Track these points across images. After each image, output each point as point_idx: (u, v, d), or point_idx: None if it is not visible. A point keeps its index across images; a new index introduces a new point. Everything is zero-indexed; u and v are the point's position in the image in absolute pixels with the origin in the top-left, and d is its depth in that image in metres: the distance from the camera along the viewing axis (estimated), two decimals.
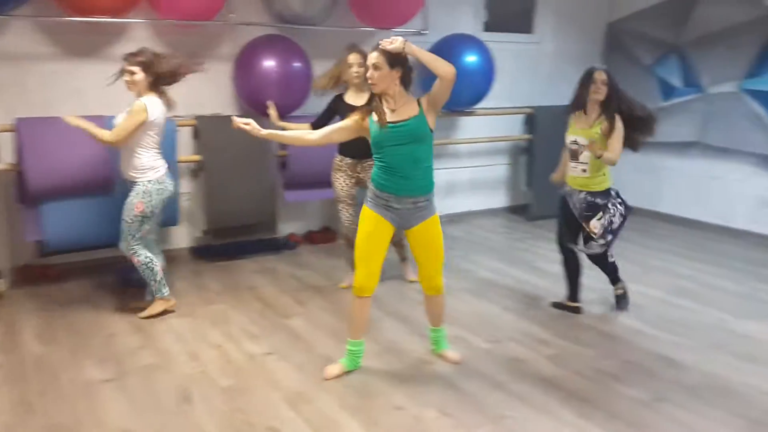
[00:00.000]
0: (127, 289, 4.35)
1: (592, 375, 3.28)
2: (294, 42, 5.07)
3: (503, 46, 6.38)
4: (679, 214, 6.60)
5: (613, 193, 3.88)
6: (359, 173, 4.34)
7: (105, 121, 4.04)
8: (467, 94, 5.83)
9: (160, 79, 3.78)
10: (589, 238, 3.91)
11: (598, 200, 3.84)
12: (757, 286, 4.66)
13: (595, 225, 3.85)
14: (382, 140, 3.03)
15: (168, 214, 4.35)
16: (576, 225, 3.95)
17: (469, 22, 6.32)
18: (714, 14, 6.15)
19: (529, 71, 6.82)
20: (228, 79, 5.14)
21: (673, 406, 2.98)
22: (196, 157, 4.98)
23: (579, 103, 3.88)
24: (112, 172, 4.25)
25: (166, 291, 3.99)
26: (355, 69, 4.14)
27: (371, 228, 3.12)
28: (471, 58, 5.68)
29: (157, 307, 3.97)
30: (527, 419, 2.86)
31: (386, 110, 3.04)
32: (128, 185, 3.85)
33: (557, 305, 4.20)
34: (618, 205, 3.87)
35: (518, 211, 6.92)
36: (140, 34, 4.79)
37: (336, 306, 4.20)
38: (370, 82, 3.02)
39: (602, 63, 7.23)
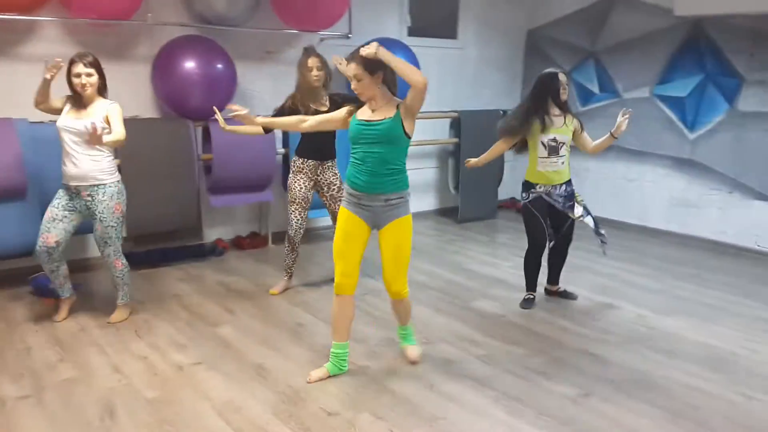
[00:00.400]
0: (43, 299, 4.13)
1: (522, 373, 3.34)
2: (216, 43, 4.96)
3: (428, 51, 6.46)
4: (599, 215, 6.82)
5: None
6: (318, 176, 4.36)
7: (15, 124, 3.82)
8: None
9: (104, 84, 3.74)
10: (571, 235, 4.31)
11: (573, 187, 4.20)
12: (673, 283, 4.88)
13: (578, 210, 4.18)
14: (356, 137, 3.08)
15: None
16: (560, 218, 4.20)
17: (394, 26, 6.36)
18: (627, 23, 6.45)
19: (454, 76, 6.93)
20: (146, 80, 4.97)
21: (599, 401, 3.07)
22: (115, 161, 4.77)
23: (543, 108, 4.03)
24: (24, 177, 4.02)
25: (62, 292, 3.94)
26: (315, 72, 4.15)
27: (347, 227, 3.16)
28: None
29: (124, 313, 3.97)
30: (460, 420, 2.88)
31: (367, 109, 3.10)
32: (87, 190, 3.67)
33: (552, 293, 4.51)
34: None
35: (447, 213, 7.01)
36: (51, 32, 4.57)
37: (266, 313, 4.12)
38: (356, 93, 3.05)
39: (522, 69, 7.49)
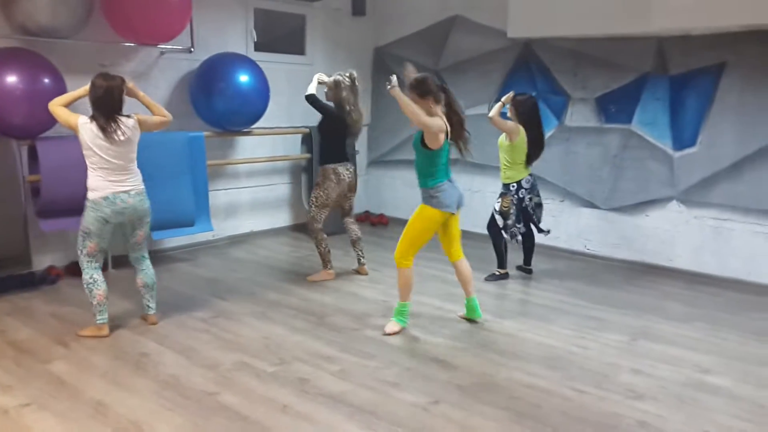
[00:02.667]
0: None
1: (375, 385, 3.38)
2: (41, 56, 4.59)
3: (276, 66, 6.42)
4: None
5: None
6: (347, 178, 5.14)
7: None
8: (243, 114, 5.76)
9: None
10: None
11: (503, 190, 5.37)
12: (513, 287, 5.19)
13: (496, 205, 5.43)
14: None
15: None
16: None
17: (239, 41, 6.25)
18: (465, 43, 6.81)
19: (304, 92, 6.91)
20: None
21: (448, 407, 3.17)
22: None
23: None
24: None
25: (100, 319, 3.95)
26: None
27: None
28: (244, 78, 5.63)
29: (87, 332, 3.97)
30: None
31: None
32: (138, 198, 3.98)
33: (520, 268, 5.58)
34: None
35: (302, 229, 6.95)
36: None
37: (105, 344, 3.85)
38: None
39: (370, 85, 7.65)
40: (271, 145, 6.60)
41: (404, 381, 3.44)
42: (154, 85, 5.63)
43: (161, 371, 3.49)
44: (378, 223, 7.45)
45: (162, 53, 5.62)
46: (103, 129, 3.75)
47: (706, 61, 5.41)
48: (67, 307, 4.44)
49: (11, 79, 4.31)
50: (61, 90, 4.58)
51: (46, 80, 4.48)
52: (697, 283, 5.47)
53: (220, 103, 5.58)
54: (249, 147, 6.45)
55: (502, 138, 5.28)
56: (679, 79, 5.58)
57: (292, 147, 6.77)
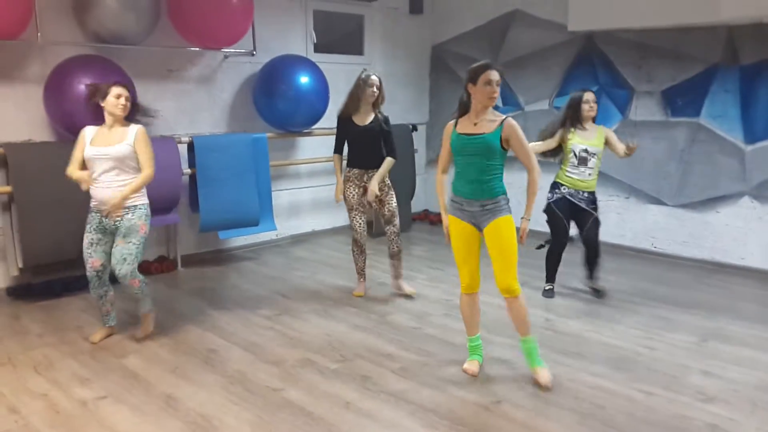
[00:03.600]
0: None
1: (436, 384, 3.39)
2: (112, 62, 4.79)
3: (335, 67, 6.49)
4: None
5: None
6: (365, 182, 4.69)
7: None
8: (303, 115, 5.85)
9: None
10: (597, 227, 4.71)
11: (596, 196, 4.75)
12: (577, 286, 5.08)
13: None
14: (458, 149, 3.39)
15: None
16: (584, 217, 4.68)
17: (299, 43, 6.36)
18: (525, 38, 6.72)
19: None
20: (38, 102, 4.73)
21: (511, 407, 3.15)
22: (6, 189, 4.51)
23: (576, 122, 4.66)
24: None
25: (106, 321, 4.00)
26: (373, 89, 4.62)
27: (457, 232, 3.45)
28: (304, 79, 5.72)
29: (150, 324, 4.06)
30: None
31: (469, 123, 3.38)
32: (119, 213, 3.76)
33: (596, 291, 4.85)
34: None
35: None
36: None
37: (175, 340, 3.99)
38: (494, 97, 3.31)
39: (429, 83, 7.65)
40: (331, 145, 6.66)
41: (466, 380, 3.44)
42: (219, 89, 5.80)
43: (228, 367, 3.60)
44: (437, 221, 7.43)
45: (225, 57, 5.77)
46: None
47: None
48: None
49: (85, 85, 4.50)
50: (132, 95, 4.76)
51: None
52: None
53: (281, 104, 5.69)
54: (310, 147, 6.55)
55: (597, 138, 4.70)
56: (750, 69, 5.35)
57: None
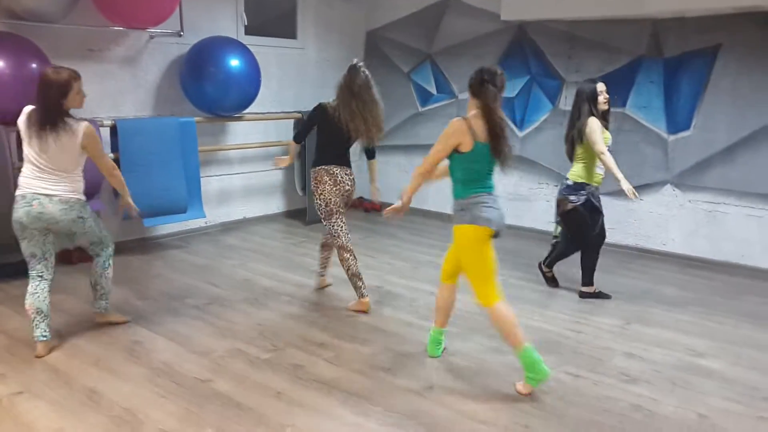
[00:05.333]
0: None
1: (368, 371, 3.37)
2: (28, 40, 4.52)
3: (267, 50, 6.35)
4: (443, 210, 7.11)
5: None
6: (342, 180, 4.20)
7: None
8: (234, 99, 5.70)
9: None
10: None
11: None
12: (509, 272, 5.17)
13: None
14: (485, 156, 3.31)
15: None
16: (599, 216, 4.51)
17: (229, 24, 6.17)
18: (459, 26, 6.75)
19: (295, 76, 6.87)
20: None
21: (442, 391, 3.18)
22: None
23: (601, 116, 4.35)
24: None
25: (36, 334, 3.51)
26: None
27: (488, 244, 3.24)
28: (234, 62, 5.56)
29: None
30: (308, 425, 2.85)
31: None
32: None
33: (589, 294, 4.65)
34: None
35: (295, 215, 6.94)
36: None
37: (98, 332, 3.82)
38: None
39: None
40: (263, 130, 6.56)
41: (397, 366, 3.44)
42: (144, 70, 5.57)
43: (154, 358, 3.48)
44: (371, 209, 7.42)
45: (151, 37, 5.55)
46: (39, 126, 3.37)
47: (701, 44, 5.39)
48: (59, 295, 4.39)
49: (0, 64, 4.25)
50: None
51: (34, 65, 4.40)
52: (691, 267, 5.48)
53: (210, 87, 5.52)
54: (241, 133, 6.40)
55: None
56: (673, 61, 5.55)
57: (284, 132, 6.71)
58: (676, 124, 5.61)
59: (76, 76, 3.43)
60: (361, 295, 4.24)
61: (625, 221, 5.97)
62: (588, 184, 4.45)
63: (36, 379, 3.23)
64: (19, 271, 4.74)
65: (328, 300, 4.45)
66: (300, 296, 4.52)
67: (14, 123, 4.51)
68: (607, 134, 4.43)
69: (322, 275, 4.68)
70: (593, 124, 4.28)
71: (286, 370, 3.37)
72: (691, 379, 3.38)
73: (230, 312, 4.19)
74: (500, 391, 3.20)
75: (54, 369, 3.34)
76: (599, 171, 4.47)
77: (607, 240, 5.37)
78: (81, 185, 3.57)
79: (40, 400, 3.03)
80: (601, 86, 4.39)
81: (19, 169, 4.64)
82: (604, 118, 4.41)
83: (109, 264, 3.80)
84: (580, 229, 4.52)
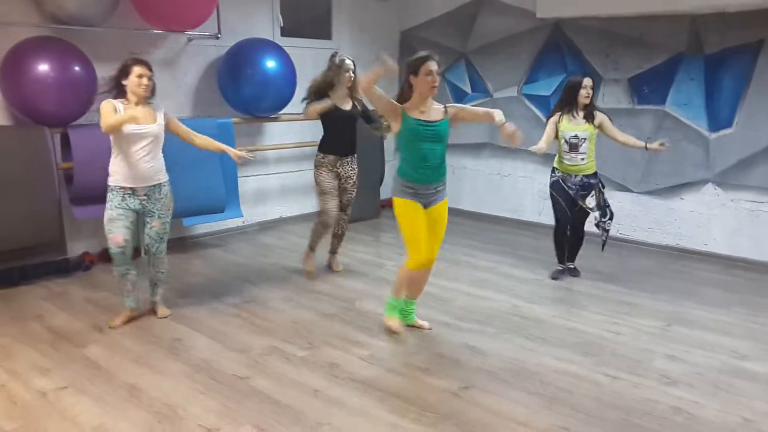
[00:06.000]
0: None
1: (404, 371, 3.38)
2: (71, 44, 4.63)
3: (303, 51, 6.40)
4: (478, 210, 7.09)
5: (598, 173, 4.82)
6: (338, 168, 4.75)
7: None
8: (270, 100, 5.76)
9: None
10: (584, 217, 4.82)
11: (591, 181, 4.76)
12: (543, 272, 5.12)
13: (590, 201, 4.77)
14: (419, 135, 3.51)
15: None
16: (573, 203, 4.77)
17: (266, 26, 6.24)
18: (494, 25, 6.71)
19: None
20: None
21: (478, 392, 3.16)
22: None
23: (569, 106, 4.71)
24: None
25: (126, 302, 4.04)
26: (350, 74, 4.58)
27: (416, 211, 3.58)
28: (271, 63, 5.62)
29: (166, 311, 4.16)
30: (345, 424, 2.86)
31: (416, 110, 3.53)
32: (144, 190, 3.83)
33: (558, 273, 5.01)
34: (600, 183, 4.83)
35: None
36: None
37: (139, 329, 3.91)
38: (436, 86, 3.49)
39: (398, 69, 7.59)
40: (299, 131, 6.60)
41: (433, 366, 3.44)
42: (183, 72, 5.67)
43: (193, 356, 3.53)
44: None
45: (189, 40, 5.64)
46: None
47: (743, 39, 5.25)
48: (101, 293, 4.52)
49: (43, 67, 4.36)
50: (92, 78, 4.63)
51: (77, 68, 4.53)
52: (734, 267, 5.35)
53: (247, 89, 5.58)
54: (277, 133, 6.46)
55: (587, 124, 4.72)
56: (714, 58, 5.42)
57: (319, 132, 6.73)
58: (717, 122, 5.48)
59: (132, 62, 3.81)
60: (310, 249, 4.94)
61: (664, 221, 5.86)
62: (556, 169, 4.84)
63: (79, 374, 3.31)
64: (61, 269, 4.89)
65: (363, 299, 4.46)
66: (336, 295, 4.54)
67: (58, 125, 4.67)
68: (586, 126, 4.69)
69: (333, 253, 5.15)
70: (551, 119, 4.79)
71: (322, 368, 3.39)
72: (735, 382, 3.30)
73: (267, 310, 4.24)
74: (538, 392, 3.16)
75: (96, 365, 3.42)
76: (566, 160, 4.76)
77: (647, 240, 5.31)
78: (111, 168, 3.83)
79: (83, 395, 3.10)
80: (586, 81, 4.66)
81: (62, 170, 4.81)
82: (587, 110, 4.70)
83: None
84: (553, 207, 4.88)
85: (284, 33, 6.39)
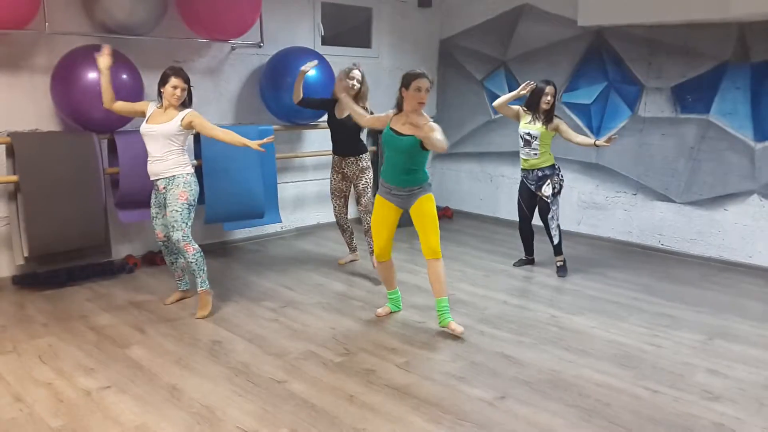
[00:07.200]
0: None
1: (440, 379, 3.37)
2: (119, 52, 4.76)
3: (343, 60, 6.44)
4: (515, 219, 7.03)
5: (556, 167, 5.19)
6: (343, 169, 5.09)
7: None
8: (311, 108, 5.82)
9: None
10: (547, 209, 5.19)
11: (547, 172, 5.14)
12: (583, 283, 5.07)
13: (546, 189, 5.14)
14: (386, 142, 3.86)
15: None
16: (533, 197, 5.23)
17: (307, 35, 6.33)
18: (534, 33, 6.67)
19: (370, 85, 6.90)
20: (45, 92, 4.72)
21: (515, 402, 3.14)
22: (12, 178, 4.51)
23: (532, 107, 5.07)
24: None
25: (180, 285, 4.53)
26: (353, 82, 4.84)
27: (380, 206, 4.01)
28: (312, 72, 5.68)
29: (207, 303, 4.28)
30: (380, 430, 2.87)
31: (399, 121, 3.82)
32: (162, 183, 4.14)
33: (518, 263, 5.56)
34: (559, 175, 5.20)
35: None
36: None
37: (180, 331, 3.99)
38: (423, 103, 3.73)
39: (437, 77, 7.61)
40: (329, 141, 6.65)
41: (470, 375, 3.43)
42: (226, 80, 5.79)
43: (233, 358, 3.60)
44: (443, 216, 7.42)
45: (233, 48, 5.75)
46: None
47: None
48: (144, 295, 4.63)
49: (93, 75, 4.49)
50: (138, 85, 4.77)
51: (125, 76, 4.65)
52: None
53: (288, 97, 5.65)
54: (316, 140, 6.53)
55: (540, 125, 5.06)
56: (761, 66, 5.30)
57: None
58: (763, 132, 5.35)
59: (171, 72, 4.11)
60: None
61: (707, 232, 5.74)
62: (521, 170, 5.27)
63: (122, 374, 3.39)
64: (106, 271, 5.02)
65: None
66: (372, 301, 4.57)
67: (106, 131, 4.81)
68: (539, 126, 5.04)
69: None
70: (520, 107, 5.20)
71: (358, 374, 3.41)
72: None
73: (304, 315, 4.28)
74: (576, 404, 3.13)
75: (138, 365, 3.50)
76: (522, 155, 5.20)
77: (689, 251, 5.19)
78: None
79: (125, 394, 3.18)
80: (548, 89, 4.97)
81: (109, 174, 4.95)
82: (547, 115, 5.03)
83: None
84: (517, 206, 5.43)
85: (325, 42, 6.47)
